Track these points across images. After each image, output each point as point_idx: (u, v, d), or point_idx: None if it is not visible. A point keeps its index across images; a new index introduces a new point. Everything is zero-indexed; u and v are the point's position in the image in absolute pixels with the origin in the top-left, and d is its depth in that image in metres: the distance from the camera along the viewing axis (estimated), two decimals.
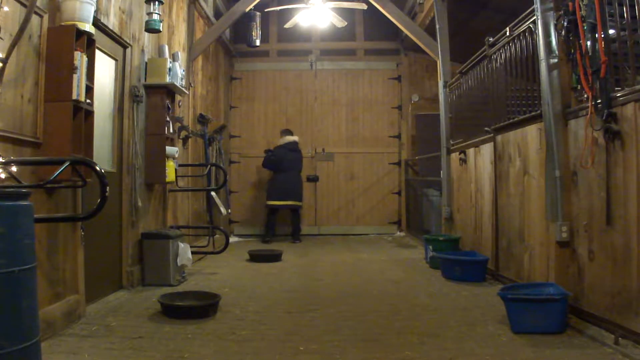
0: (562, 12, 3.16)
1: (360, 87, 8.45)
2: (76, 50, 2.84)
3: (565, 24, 3.10)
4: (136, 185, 4.10)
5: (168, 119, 4.56)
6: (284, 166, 7.37)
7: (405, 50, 8.32)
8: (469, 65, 5.09)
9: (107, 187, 2.31)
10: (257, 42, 6.68)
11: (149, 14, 4.06)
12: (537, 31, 3.36)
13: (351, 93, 8.45)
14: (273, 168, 7.46)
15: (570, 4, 3.03)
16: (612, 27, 2.78)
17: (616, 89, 2.76)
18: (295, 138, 7.56)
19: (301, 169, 7.62)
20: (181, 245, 4.38)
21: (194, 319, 3.17)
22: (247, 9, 6.22)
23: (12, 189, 1.95)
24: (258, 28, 6.61)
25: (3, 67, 2.36)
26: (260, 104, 8.43)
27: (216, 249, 5.38)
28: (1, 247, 1.74)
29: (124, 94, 4.03)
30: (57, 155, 2.73)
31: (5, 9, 2.41)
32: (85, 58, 2.92)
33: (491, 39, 4.49)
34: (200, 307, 3.29)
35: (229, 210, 7.28)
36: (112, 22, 3.68)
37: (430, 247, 5.15)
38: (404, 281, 4.49)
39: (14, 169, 2.36)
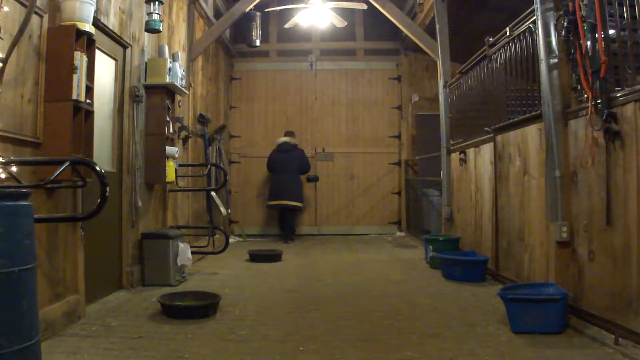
0: (562, 12, 3.16)
1: (360, 87, 8.45)
2: (76, 50, 2.84)
3: (565, 24, 3.10)
4: (136, 185, 4.10)
5: (168, 119, 4.56)
6: (274, 167, 7.53)
7: (405, 50, 8.32)
8: (469, 65, 5.09)
9: (107, 187, 2.31)
10: (257, 42, 6.68)
11: (149, 14, 4.06)
12: (537, 31, 3.36)
13: (351, 93, 8.45)
14: (268, 169, 7.70)
15: (570, 4, 3.03)
16: (612, 27, 2.78)
17: (616, 89, 2.76)
18: (285, 139, 7.57)
19: (296, 169, 7.52)
20: (181, 245, 4.38)
21: (194, 319, 3.17)
22: (247, 9, 6.22)
23: (12, 189, 1.95)
24: (258, 28, 6.60)
25: (3, 67, 2.36)
26: (260, 104, 8.43)
27: (216, 249, 5.38)
28: (1, 247, 1.74)
29: (124, 94, 4.03)
30: (57, 155, 2.73)
31: (5, 9, 2.41)
32: (85, 58, 2.92)
33: (491, 39, 4.49)
34: (200, 307, 3.29)
35: (229, 211, 7.29)
36: (112, 22, 3.68)
37: (430, 247, 5.15)
38: (404, 281, 4.49)
39: (14, 169, 2.36)
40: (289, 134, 7.78)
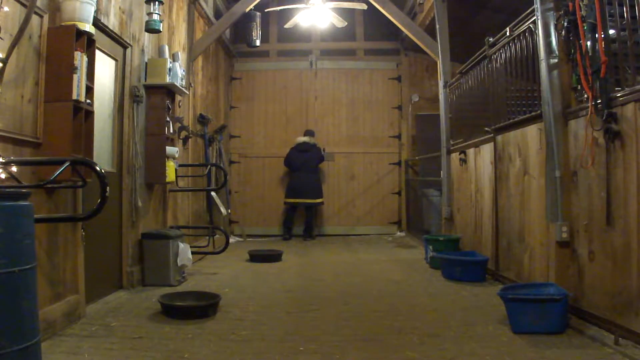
0: (562, 12, 3.16)
1: (361, 87, 8.45)
2: (76, 50, 2.84)
3: (565, 24, 3.10)
4: (136, 185, 4.10)
5: (168, 119, 4.56)
6: (294, 166, 7.74)
7: (405, 50, 8.32)
8: (469, 65, 5.09)
9: (107, 187, 2.31)
10: (257, 42, 6.68)
11: (149, 14, 4.06)
12: (537, 31, 3.36)
13: (351, 93, 8.45)
14: (287, 167, 7.89)
15: (570, 4, 3.03)
16: (612, 27, 2.78)
17: (616, 89, 2.76)
18: (305, 139, 7.74)
19: (315, 167, 7.74)
20: (181, 245, 4.38)
21: (194, 319, 3.17)
22: (247, 9, 6.22)
23: (12, 189, 1.95)
24: (258, 28, 6.61)
25: (3, 67, 2.36)
26: (260, 104, 8.43)
27: (216, 249, 5.38)
28: (1, 247, 1.74)
29: (124, 94, 4.03)
30: (57, 155, 2.73)
31: (5, 9, 2.41)
32: (85, 58, 2.92)
33: (491, 39, 4.49)
34: (200, 307, 3.29)
35: (229, 210, 7.30)
36: (112, 22, 3.68)
37: (430, 247, 5.15)
38: (404, 281, 4.49)
39: (14, 169, 2.36)
40: (308, 133, 7.90)
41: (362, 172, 8.36)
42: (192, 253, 4.60)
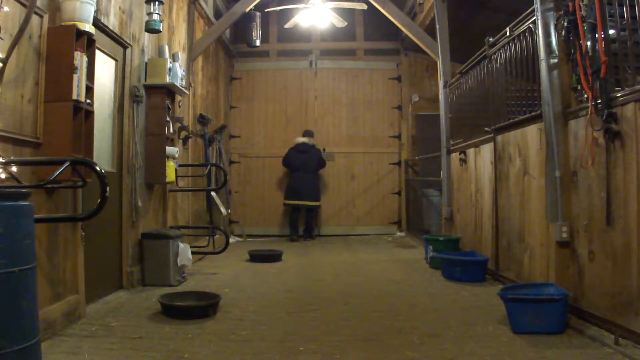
0: (562, 12, 3.16)
1: (361, 86, 8.45)
2: (76, 50, 2.84)
3: (565, 24, 3.10)
4: (136, 185, 4.10)
5: (168, 119, 4.56)
6: (293, 167, 7.68)
7: (405, 50, 8.32)
8: (469, 65, 5.09)
9: (107, 187, 2.31)
10: (257, 42, 6.68)
11: (149, 14, 4.06)
12: (537, 31, 3.36)
13: (351, 93, 8.45)
14: (286, 167, 7.85)
15: (570, 4, 3.03)
16: (612, 27, 2.78)
17: (616, 89, 2.76)
18: (304, 139, 7.70)
19: (315, 169, 7.70)
20: (181, 245, 4.38)
21: (194, 319, 3.17)
22: (247, 9, 6.22)
23: (12, 189, 1.95)
24: (258, 28, 6.61)
25: (3, 67, 2.36)
26: (260, 104, 8.43)
27: (216, 249, 5.38)
28: (1, 247, 1.74)
29: (124, 94, 4.03)
30: (57, 155, 2.73)
31: (5, 9, 2.41)
32: (85, 58, 2.92)
33: (491, 39, 4.49)
34: (200, 307, 3.29)
35: (229, 211, 7.30)
36: (112, 22, 3.68)
37: (430, 247, 5.15)
38: (404, 281, 4.49)
39: (14, 169, 2.36)
40: (307, 133, 7.87)
41: (362, 172, 8.35)
42: (192, 253, 4.60)
